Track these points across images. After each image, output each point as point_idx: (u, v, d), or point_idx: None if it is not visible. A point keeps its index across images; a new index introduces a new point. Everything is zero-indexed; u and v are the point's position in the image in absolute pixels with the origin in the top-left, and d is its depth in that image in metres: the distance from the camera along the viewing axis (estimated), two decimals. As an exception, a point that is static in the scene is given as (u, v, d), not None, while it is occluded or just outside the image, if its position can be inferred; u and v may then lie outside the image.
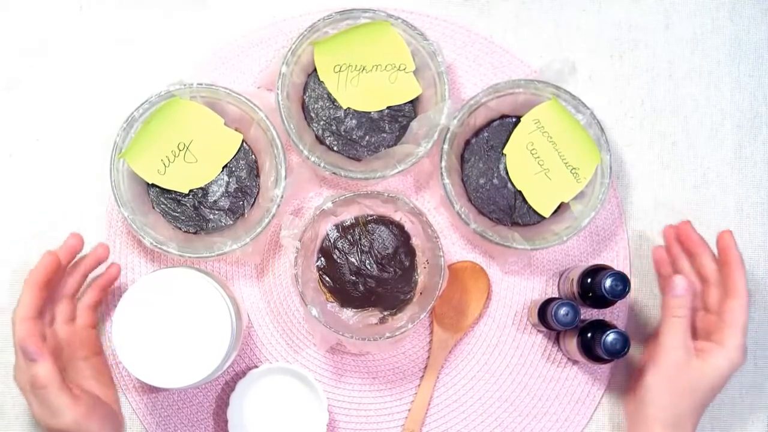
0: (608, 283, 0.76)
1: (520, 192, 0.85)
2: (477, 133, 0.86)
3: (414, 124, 0.84)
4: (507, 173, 0.86)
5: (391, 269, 0.84)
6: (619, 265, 0.87)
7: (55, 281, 0.77)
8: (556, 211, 0.86)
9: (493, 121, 0.87)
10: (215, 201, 0.85)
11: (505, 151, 0.86)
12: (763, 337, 0.88)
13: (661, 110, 0.90)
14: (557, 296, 0.86)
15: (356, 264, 0.84)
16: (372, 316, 0.84)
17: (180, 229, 0.84)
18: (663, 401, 0.76)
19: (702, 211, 0.89)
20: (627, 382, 0.86)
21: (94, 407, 0.74)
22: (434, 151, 0.83)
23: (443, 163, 0.82)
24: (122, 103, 0.85)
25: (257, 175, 0.85)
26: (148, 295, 0.74)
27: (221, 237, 0.82)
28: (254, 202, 0.85)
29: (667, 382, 0.76)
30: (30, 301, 0.74)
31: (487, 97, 0.84)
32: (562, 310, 0.78)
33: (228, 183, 0.85)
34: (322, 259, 0.84)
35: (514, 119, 0.86)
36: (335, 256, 0.84)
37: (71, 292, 0.81)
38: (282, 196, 0.81)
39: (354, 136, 0.86)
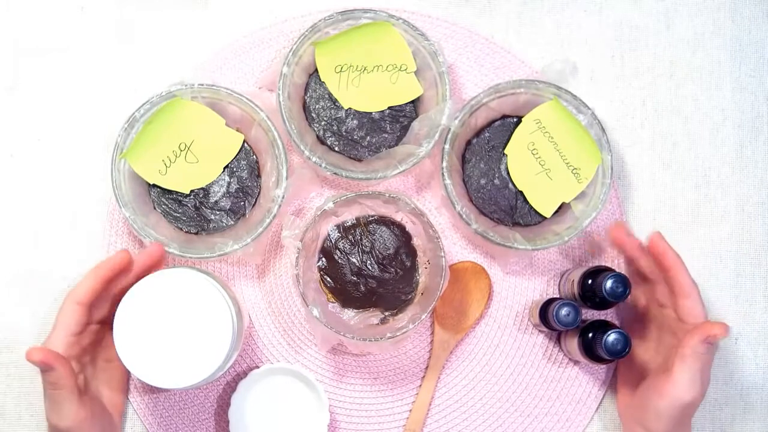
0: (609, 285, 0.76)
1: (521, 192, 0.85)
2: (478, 133, 0.86)
3: (415, 124, 0.84)
4: (508, 173, 0.86)
5: (393, 270, 0.84)
6: (620, 266, 0.87)
7: (116, 281, 0.77)
8: (557, 212, 0.86)
9: (494, 121, 0.87)
10: (216, 201, 0.85)
11: (506, 152, 0.86)
12: (764, 339, 0.88)
13: (662, 110, 0.90)
14: (558, 296, 0.86)
15: (357, 264, 0.84)
16: (373, 316, 0.84)
17: (181, 229, 0.84)
18: (671, 422, 0.76)
19: (703, 212, 0.89)
20: (616, 381, 0.85)
21: (93, 415, 0.75)
22: (435, 152, 0.83)
23: (444, 164, 0.82)
24: (123, 104, 0.85)
25: (258, 176, 0.85)
26: (149, 296, 0.74)
27: (222, 237, 0.82)
28: (255, 203, 0.85)
29: (679, 411, 0.75)
30: (86, 286, 0.75)
31: (488, 97, 0.84)
32: (564, 311, 0.78)
33: (229, 183, 0.85)
34: (324, 259, 0.84)
35: (515, 119, 0.86)
36: (336, 257, 0.84)
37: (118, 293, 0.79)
38: (283, 197, 0.81)
39: (355, 137, 0.86)
